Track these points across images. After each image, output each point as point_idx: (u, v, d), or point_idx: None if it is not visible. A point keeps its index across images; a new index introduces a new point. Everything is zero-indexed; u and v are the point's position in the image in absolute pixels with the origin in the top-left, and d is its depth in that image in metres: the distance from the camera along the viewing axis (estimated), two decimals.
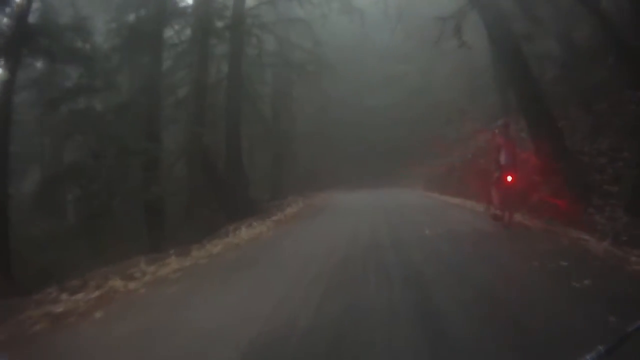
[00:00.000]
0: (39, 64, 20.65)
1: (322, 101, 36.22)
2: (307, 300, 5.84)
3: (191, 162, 22.53)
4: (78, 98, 19.38)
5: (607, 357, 1.53)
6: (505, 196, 10.29)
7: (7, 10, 15.38)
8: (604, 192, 9.90)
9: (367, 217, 13.92)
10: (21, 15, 15.29)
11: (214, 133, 23.02)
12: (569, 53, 16.30)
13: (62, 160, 22.79)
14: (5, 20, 15.73)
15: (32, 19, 16.59)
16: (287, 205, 19.54)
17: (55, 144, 23.41)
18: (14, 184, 17.02)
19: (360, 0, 26.73)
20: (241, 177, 21.80)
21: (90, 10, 21.58)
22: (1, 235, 13.36)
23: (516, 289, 5.76)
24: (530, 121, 12.71)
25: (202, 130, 21.02)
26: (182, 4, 23.83)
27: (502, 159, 10.54)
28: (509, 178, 10.14)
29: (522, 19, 15.48)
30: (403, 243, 9.20)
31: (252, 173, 28.67)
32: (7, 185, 14.75)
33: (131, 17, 21.41)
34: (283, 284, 6.86)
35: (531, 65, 13.29)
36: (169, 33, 22.49)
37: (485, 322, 4.58)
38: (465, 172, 17.61)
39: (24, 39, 15.05)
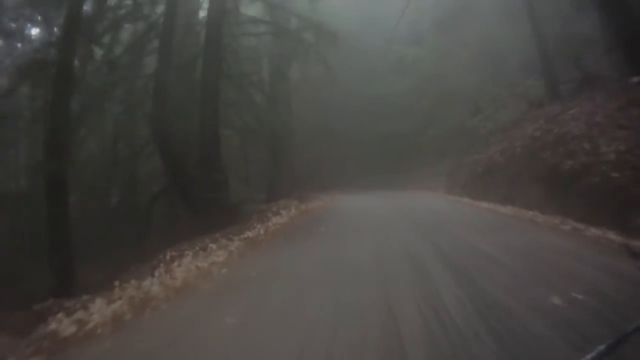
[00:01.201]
0: None
1: (324, 89, 31.31)
2: None
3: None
4: None
5: (607, 357, 1.49)
6: None
7: None
8: None
9: (392, 239, 8.41)
10: None
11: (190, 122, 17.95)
12: None
13: None
14: None
15: None
16: (275, 213, 14.31)
17: None
18: None
19: None
20: (216, 176, 16.51)
21: None
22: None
23: None
24: None
25: (163, 116, 15.86)
26: None
27: None
28: None
29: None
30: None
31: (244, 171, 25.68)
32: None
33: None
34: None
35: None
36: None
37: None
38: (514, 172, 12.38)
39: None
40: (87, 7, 17.10)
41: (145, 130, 18.78)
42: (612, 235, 6.56)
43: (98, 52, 18.54)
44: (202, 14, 20.35)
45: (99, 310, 5.23)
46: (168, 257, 8.98)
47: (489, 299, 4.21)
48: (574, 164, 9.16)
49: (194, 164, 16.90)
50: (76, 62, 16.30)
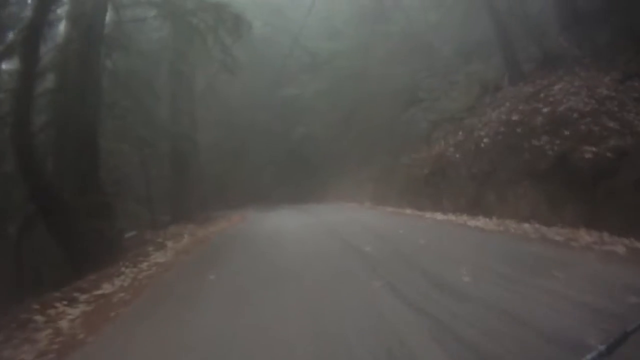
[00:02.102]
0: None
1: (231, 97, 27.49)
2: None
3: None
4: None
5: (608, 357, 1.45)
6: None
7: None
8: None
9: (330, 299, 4.73)
10: None
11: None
12: None
13: None
14: None
15: None
16: (159, 246, 10.29)
17: None
18: None
19: None
20: (94, 199, 12.13)
21: None
22: None
23: None
24: None
25: (25, 123, 11.22)
26: None
27: None
28: None
29: None
30: None
31: (145, 191, 22.01)
32: None
33: None
34: None
35: None
36: None
37: None
38: (481, 171, 9.20)
39: None
40: None
41: None
42: None
43: None
44: None
45: None
46: None
47: None
48: (600, 150, 5.89)
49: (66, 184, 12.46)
50: None
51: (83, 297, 6.43)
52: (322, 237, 8.96)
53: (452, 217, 9.41)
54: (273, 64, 27.92)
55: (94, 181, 12.66)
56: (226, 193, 28.54)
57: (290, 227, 11.65)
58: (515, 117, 8.90)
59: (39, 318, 5.71)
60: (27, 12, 12.69)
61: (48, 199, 10.86)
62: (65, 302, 6.29)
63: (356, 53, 21.86)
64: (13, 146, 10.77)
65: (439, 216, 9.91)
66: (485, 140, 9.48)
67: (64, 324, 5.40)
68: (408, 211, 12.06)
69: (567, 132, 7.15)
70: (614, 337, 1.50)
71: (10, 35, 12.96)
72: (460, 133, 11.25)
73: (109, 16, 14.64)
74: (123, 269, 7.96)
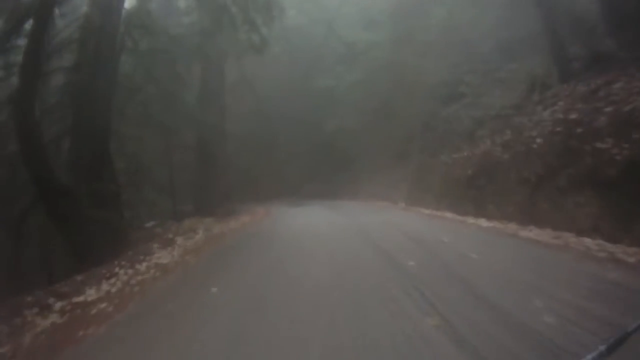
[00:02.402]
0: None
1: (264, 86, 26.36)
2: None
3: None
4: None
5: (608, 356, 1.45)
6: None
7: None
8: None
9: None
10: None
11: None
12: None
13: None
14: None
15: None
16: (167, 242, 9.16)
17: None
18: None
19: None
20: (102, 187, 11.09)
21: None
22: None
23: None
24: None
25: (31, 99, 10.14)
26: None
27: None
28: None
29: None
30: None
31: (168, 179, 21.60)
32: None
33: None
34: None
35: None
36: None
37: None
38: (534, 174, 7.77)
39: None
40: None
41: None
42: None
43: None
44: None
45: None
46: None
47: None
48: None
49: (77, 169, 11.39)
50: None
51: (59, 304, 5.26)
52: (356, 244, 7.65)
53: (498, 224, 8.01)
54: (307, 54, 26.77)
55: (103, 167, 11.61)
56: (254, 185, 27.55)
57: (317, 228, 10.40)
58: (573, 116, 7.47)
59: (3, 328, 4.66)
60: None
61: (48, 183, 9.79)
62: (36, 310, 5.15)
63: (393, 44, 20.36)
64: (14, 125, 9.73)
65: (484, 223, 8.50)
66: (537, 140, 8.07)
67: (27, 339, 4.24)
68: (448, 215, 10.65)
69: (636, 135, 5.88)
70: (614, 337, 1.46)
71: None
72: (508, 132, 9.81)
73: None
74: (117, 269, 6.81)
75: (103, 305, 5.11)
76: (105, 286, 5.92)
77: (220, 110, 23.41)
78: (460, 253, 5.86)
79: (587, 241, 5.69)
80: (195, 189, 23.03)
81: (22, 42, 10.99)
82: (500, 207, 8.79)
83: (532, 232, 6.83)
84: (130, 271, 6.62)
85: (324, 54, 25.52)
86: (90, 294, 5.62)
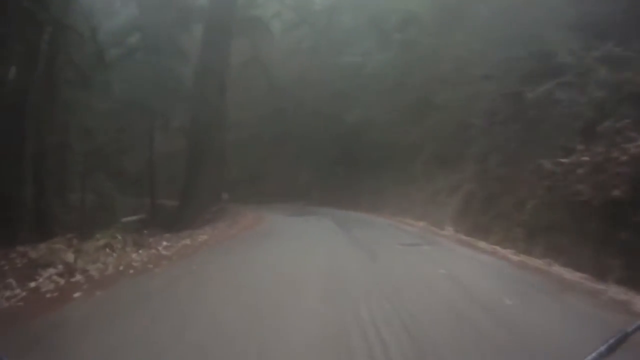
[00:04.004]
0: None
1: (279, 67, 21.94)
2: None
3: None
4: None
5: (608, 356, 1.38)
6: None
7: None
8: None
9: None
10: None
11: None
12: None
13: None
14: None
15: None
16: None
17: None
18: None
19: None
20: None
21: None
22: None
23: None
24: None
25: None
26: None
27: None
28: None
29: None
30: None
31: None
32: None
33: None
34: None
35: None
36: None
37: None
38: None
39: None
40: None
41: None
42: None
43: None
44: None
45: None
46: None
47: None
48: None
49: None
50: None
51: None
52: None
53: None
54: (332, 30, 21.66)
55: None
56: (258, 185, 23.19)
57: (317, 274, 5.73)
58: None
59: None
60: None
61: None
62: None
63: (434, 22, 15.07)
64: None
65: None
66: None
67: None
68: (566, 275, 5.44)
69: None
70: (614, 337, 1.40)
71: None
72: None
73: None
74: None
75: None
76: None
77: (219, 89, 18.83)
78: None
79: None
80: (184, 185, 18.32)
81: None
82: None
83: None
84: None
85: (350, 27, 20.45)
86: None
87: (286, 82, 23.07)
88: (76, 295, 4.56)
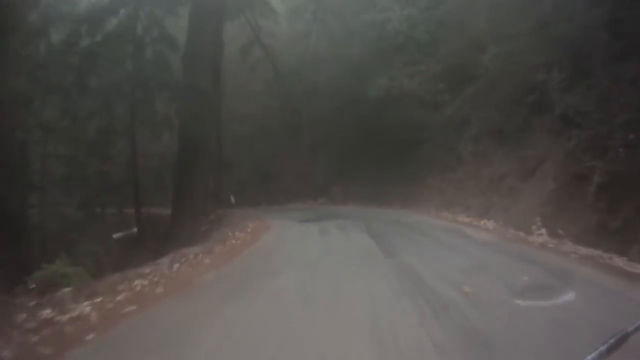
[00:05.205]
0: None
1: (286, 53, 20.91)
2: None
3: None
4: None
5: (608, 356, 1.34)
6: None
7: None
8: None
9: None
10: None
11: None
12: None
13: None
14: None
15: None
16: None
17: None
18: None
19: None
20: None
21: None
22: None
23: None
24: None
25: None
26: None
27: None
28: None
29: None
30: None
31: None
32: None
33: None
34: None
35: None
36: None
37: None
38: None
39: None
40: None
41: None
42: None
43: None
44: None
45: None
46: None
47: None
48: None
49: None
50: None
51: None
52: None
53: None
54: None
55: None
56: (269, 183, 20.34)
57: None
58: None
59: None
60: None
61: None
62: None
63: None
64: None
65: None
66: None
67: None
68: None
69: None
70: (614, 337, 1.37)
71: None
72: None
73: None
74: None
75: None
76: None
77: (213, 77, 15.50)
78: None
79: None
80: (174, 186, 15.43)
81: None
82: None
83: None
84: None
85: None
86: None
87: (294, 65, 19.93)
88: None
